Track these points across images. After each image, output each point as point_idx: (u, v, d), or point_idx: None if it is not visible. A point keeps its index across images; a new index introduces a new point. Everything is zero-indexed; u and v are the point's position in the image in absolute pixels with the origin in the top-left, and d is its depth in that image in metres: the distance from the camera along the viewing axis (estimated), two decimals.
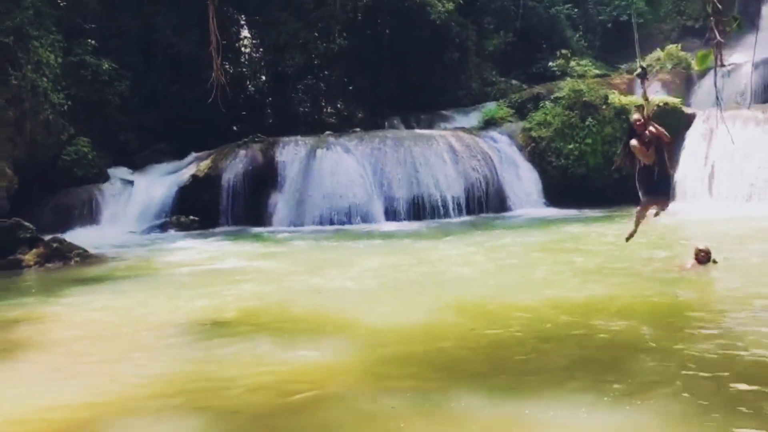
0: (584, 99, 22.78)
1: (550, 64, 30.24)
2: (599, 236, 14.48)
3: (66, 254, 13.46)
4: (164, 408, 4.90)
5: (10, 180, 19.85)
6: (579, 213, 19.42)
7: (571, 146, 22.35)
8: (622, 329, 6.56)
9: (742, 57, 23.50)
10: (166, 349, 6.61)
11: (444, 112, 28.98)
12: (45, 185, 21.45)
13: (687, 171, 20.59)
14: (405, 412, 4.62)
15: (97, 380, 5.65)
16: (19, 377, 5.87)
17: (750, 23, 24.79)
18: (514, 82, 31.40)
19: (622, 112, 22.09)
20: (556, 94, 23.81)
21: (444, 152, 21.73)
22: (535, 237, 15.04)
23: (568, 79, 25.83)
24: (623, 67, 29.04)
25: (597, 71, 28.71)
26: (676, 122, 21.43)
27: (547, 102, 23.95)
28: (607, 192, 21.53)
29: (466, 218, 20.37)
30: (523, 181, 22.31)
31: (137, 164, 24.41)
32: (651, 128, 8.16)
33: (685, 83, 27.27)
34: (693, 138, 21.02)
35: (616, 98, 22.76)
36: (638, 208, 9.03)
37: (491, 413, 4.54)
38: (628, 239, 9.22)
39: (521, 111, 25.30)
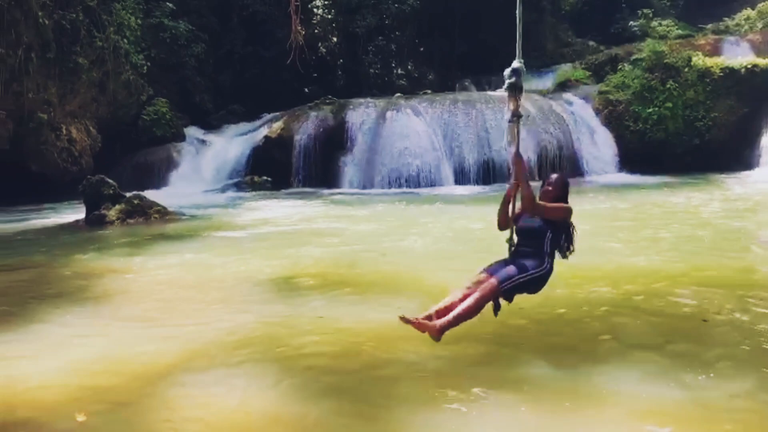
0: (665, 61, 21.88)
1: (630, 23, 29.11)
2: (677, 204, 14.03)
3: (146, 211, 13.96)
4: (240, 361, 5.07)
5: (94, 138, 20.73)
6: (657, 179, 18.81)
7: (650, 110, 21.58)
8: (693, 300, 6.36)
9: None
10: (241, 305, 6.82)
11: None
12: (126, 144, 22.30)
13: None
14: (466, 376, 4.64)
15: (174, 332, 5.87)
16: (102, 327, 6.15)
17: None
18: (590, 43, 30.42)
19: (706, 74, 21.11)
20: (636, 56, 22.96)
21: None
22: (608, 203, 14.68)
23: (649, 39, 24.80)
24: (709, 27, 27.64)
25: (680, 32, 27.45)
26: (765, 85, 20.38)
27: (625, 64, 23.14)
28: (687, 158, 20.79)
29: (537, 183, 19.82)
30: (598, 146, 21.73)
31: (213, 125, 25.05)
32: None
33: None
34: None
35: (699, 60, 21.74)
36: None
37: (554, 381, 4.51)
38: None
39: (598, 73, 24.55)
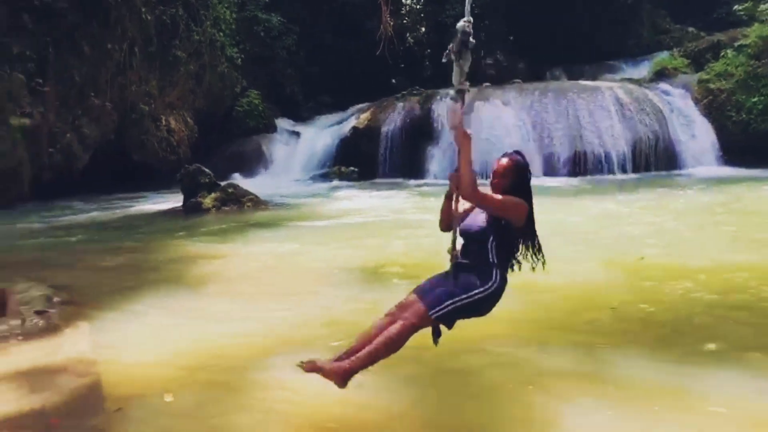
0: None
1: (736, 7, 27.41)
2: None
3: (239, 199, 14.45)
4: (328, 349, 5.16)
5: (191, 129, 21.59)
6: (761, 173, 17.76)
7: (755, 99, 20.38)
8: None
9: None
10: (329, 294, 6.92)
11: (611, 62, 27.48)
12: (220, 135, 23.11)
13: None
14: (547, 373, 4.56)
15: (263, 320, 6.02)
16: (194, 311, 6.37)
17: None
18: (690, 29, 29.02)
19: None
20: (741, 42, 21.70)
21: (610, 105, 20.67)
22: (709, 198, 14.01)
23: (756, 24, 23.34)
24: None
25: None
26: None
27: (728, 50, 21.93)
28: None
29: (631, 176, 19.37)
30: (697, 138, 20.73)
31: (302, 116, 25.58)
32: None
33: None
34: None
35: None
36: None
37: (652, 380, 4.36)
38: None
39: (697, 61, 23.38)
